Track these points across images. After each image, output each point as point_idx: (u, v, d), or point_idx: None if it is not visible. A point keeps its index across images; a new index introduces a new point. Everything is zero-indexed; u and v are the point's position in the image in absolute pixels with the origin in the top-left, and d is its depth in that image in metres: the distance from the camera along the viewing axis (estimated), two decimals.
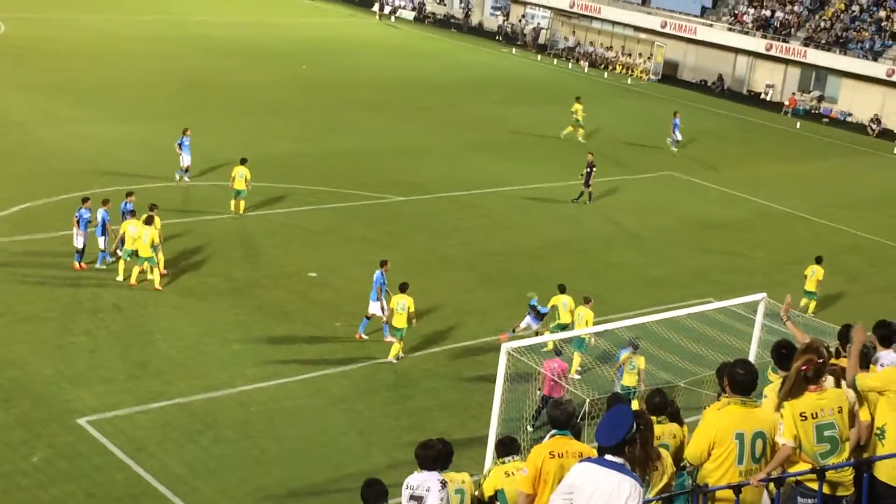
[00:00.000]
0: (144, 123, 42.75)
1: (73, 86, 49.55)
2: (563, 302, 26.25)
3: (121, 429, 20.90)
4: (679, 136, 50.18)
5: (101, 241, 28.49)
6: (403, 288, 25.46)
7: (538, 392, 22.75)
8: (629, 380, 23.29)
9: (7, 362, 23.06)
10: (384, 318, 25.83)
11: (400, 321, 25.06)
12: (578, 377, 24.77)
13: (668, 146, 50.10)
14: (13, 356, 23.36)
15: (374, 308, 26.06)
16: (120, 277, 27.81)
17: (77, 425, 20.82)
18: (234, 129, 45.04)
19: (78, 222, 28.05)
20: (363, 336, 26.19)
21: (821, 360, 9.14)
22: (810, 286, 31.08)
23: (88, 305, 26.40)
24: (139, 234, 27.54)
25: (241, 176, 33.56)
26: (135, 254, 27.62)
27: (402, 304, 25.05)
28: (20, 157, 37.65)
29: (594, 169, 39.81)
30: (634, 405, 15.72)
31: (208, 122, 45.80)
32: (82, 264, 28.33)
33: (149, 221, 27.82)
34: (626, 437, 7.69)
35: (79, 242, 28.13)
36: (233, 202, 33.95)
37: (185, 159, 36.50)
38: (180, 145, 36.41)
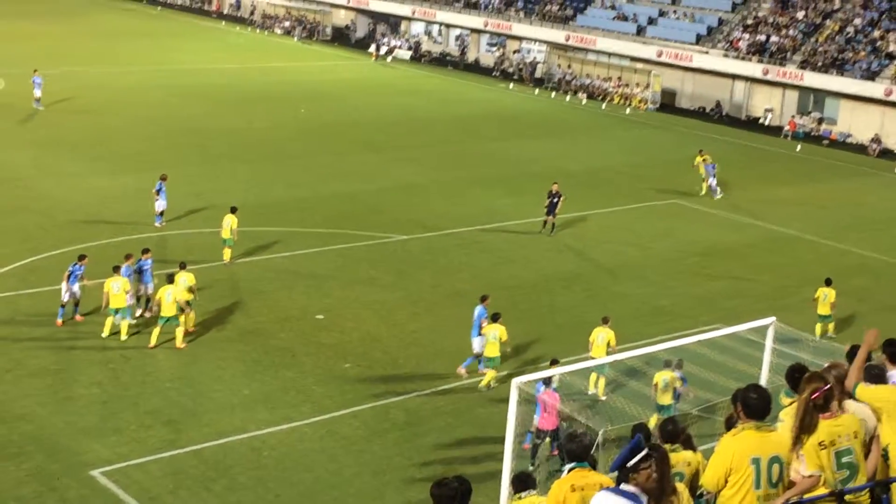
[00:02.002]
0: (144, 174, 42.76)
1: (72, 139, 49.83)
2: (600, 336, 25.86)
3: (134, 479, 20.85)
4: (714, 183, 47.05)
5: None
6: (496, 318, 26.05)
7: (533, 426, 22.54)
8: (663, 398, 23.33)
9: (18, 417, 23.04)
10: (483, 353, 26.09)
11: (493, 350, 25.63)
12: (605, 398, 25.23)
13: (711, 194, 47.06)
14: (24, 410, 23.35)
15: (477, 344, 26.36)
16: (105, 334, 27.38)
17: (90, 477, 20.77)
18: (233, 175, 45.21)
19: (68, 277, 27.96)
20: (464, 372, 26.43)
21: (827, 387, 9.10)
22: (823, 310, 30.70)
23: (97, 357, 26.38)
24: (123, 291, 27.20)
25: (226, 224, 33.40)
26: (117, 311, 27.30)
27: (494, 333, 25.61)
28: (25, 212, 37.78)
29: (560, 199, 39.32)
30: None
31: (206, 168, 46.06)
32: (77, 316, 28.25)
33: (170, 280, 27.58)
34: (624, 461, 7.71)
35: (65, 297, 28.00)
36: (224, 251, 33.84)
37: (160, 204, 36.67)
38: (158, 191, 36.57)
